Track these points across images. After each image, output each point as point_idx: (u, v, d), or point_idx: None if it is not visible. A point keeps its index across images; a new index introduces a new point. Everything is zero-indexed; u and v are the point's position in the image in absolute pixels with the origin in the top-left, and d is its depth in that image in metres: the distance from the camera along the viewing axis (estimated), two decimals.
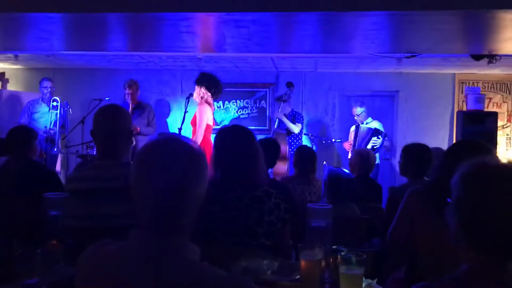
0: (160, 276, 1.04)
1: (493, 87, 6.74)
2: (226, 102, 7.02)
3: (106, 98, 5.71)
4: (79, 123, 5.77)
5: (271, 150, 3.36)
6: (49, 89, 5.97)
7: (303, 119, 6.15)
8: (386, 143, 6.16)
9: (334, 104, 6.97)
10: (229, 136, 2.30)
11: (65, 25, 4.03)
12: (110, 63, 6.54)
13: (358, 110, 6.14)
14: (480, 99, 6.14)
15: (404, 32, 3.97)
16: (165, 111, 7.10)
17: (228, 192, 2.14)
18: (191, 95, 5.57)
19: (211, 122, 5.50)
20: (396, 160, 6.23)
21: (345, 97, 6.99)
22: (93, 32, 4.21)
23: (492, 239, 1.18)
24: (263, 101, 7.02)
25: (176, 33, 4.04)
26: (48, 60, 6.22)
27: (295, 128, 5.96)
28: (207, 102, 5.49)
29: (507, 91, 6.72)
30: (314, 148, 6.05)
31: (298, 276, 1.83)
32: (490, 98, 6.70)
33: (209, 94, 5.49)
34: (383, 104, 7.03)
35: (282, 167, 5.46)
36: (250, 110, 7.05)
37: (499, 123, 6.26)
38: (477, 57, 4.85)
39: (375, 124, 6.12)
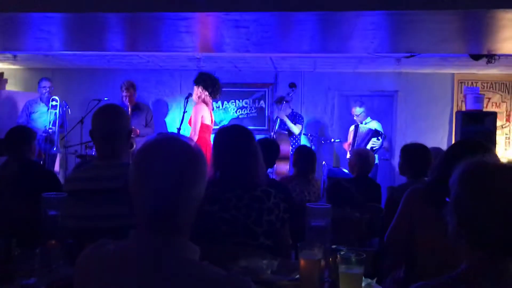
0: (159, 276, 1.04)
1: (492, 87, 6.74)
2: (225, 102, 7.02)
3: (105, 98, 5.70)
4: (78, 123, 5.76)
5: (271, 150, 3.35)
6: (48, 89, 5.97)
7: (303, 120, 6.16)
8: (385, 144, 6.16)
9: (333, 104, 6.97)
10: (228, 135, 2.29)
11: (64, 25, 4.03)
12: (109, 63, 6.54)
13: (357, 110, 6.13)
14: (479, 99, 6.14)
15: (403, 32, 3.97)
16: (164, 111, 7.10)
17: (227, 192, 2.14)
18: (190, 95, 5.57)
19: (208, 122, 5.48)
20: (395, 160, 6.24)
21: (344, 97, 6.99)
22: (92, 32, 4.21)
23: (491, 237, 1.18)
24: (262, 101, 7.02)
25: (175, 33, 4.04)
26: (47, 60, 6.21)
27: (296, 129, 5.96)
28: (204, 101, 5.48)
29: (506, 91, 6.73)
30: (313, 148, 6.05)
31: (297, 276, 1.82)
32: (489, 98, 6.70)
33: (206, 93, 5.48)
34: (382, 104, 7.03)
35: (284, 167, 5.47)
36: (249, 110, 7.05)
37: (498, 123, 6.26)
38: (476, 57, 4.85)
39: (374, 124, 6.12)
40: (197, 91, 5.49)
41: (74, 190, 2.12)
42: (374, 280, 1.85)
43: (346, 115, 6.75)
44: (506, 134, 6.68)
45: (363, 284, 1.73)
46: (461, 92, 6.70)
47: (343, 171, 5.13)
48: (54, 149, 5.78)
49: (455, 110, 6.70)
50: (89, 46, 5.02)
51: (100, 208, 2.04)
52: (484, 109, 6.30)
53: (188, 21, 3.65)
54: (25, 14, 3.50)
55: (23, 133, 3.28)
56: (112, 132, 2.17)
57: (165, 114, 7.11)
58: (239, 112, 7.05)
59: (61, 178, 4.92)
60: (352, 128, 6.20)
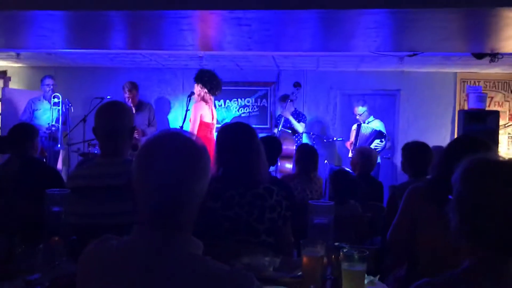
0: (163, 271, 1.04)
1: (495, 86, 6.73)
2: (227, 100, 7.02)
3: (108, 97, 5.71)
4: (81, 121, 5.77)
5: (272, 147, 3.36)
6: (51, 87, 5.98)
7: (306, 119, 6.16)
8: (388, 145, 6.12)
9: (335, 103, 6.96)
10: (231, 133, 2.29)
11: (67, 23, 4.03)
12: (111, 61, 6.55)
13: (360, 109, 6.11)
14: (481, 98, 6.14)
15: (405, 30, 3.97)
16: (166, 109, 7.10)
17: (230, 189, 2.14)
18: (192, 93, 5.57)
19: (208, 120, 5.47)
20: (397, 159, 6.23)
21: (346, 96, 6.98)
22: (95, 30, 4.22)
23: (493, 235, 1.18)
24: (264, 100, 7.02)
25: (178, 31, 4.05)
26: (50, 58, 6.23)
27: (300, 127, 5.96)
28: (203, 99, 5.48)
29: (509, 90, 6.71)
30: (315, 146, 6.05)
31: (300, 273, 1.83)
32: (492, 97, 6.69)
33: (205, 90, 5.47)
34: (385, 103, 7.02)
35: (288, 166, 5.47)
36: (251, 109, 7.05)
37: (501, 122, 6.26)
38: (479, 56, 4.85)
39: (377, 124, 6.09)
40: (197, 89, 5.50)
41: (77, 187, 2.12)
42: (377, 278, 1.85)
43: (348, 114, 6.74)
44: (509, 133, 6.66)
45: (365, 281, 1.73)
46: (463, 91, 6.68)
47: (346, 169, 5.13)
48: (58, 146, 5.80)
49: (457, 109, 6.69)
50: (92, 44, 5.02)
51: (103, 205, 2.04)
52: (487, 108, 6.30)
53: (190, 19, 3.65)
54: (28, 12, 3.51)
55: (26, 130, 3.29)
56: (115, 129, 2.17)
57: (168, 113, 7.11)
58: (241, 110, 7.05)
59: (64, 175, 4.93)
60: (354, 127, 6.19)
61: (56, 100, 5.89)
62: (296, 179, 3.93)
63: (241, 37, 4.23)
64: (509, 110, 6.70)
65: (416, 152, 3.32)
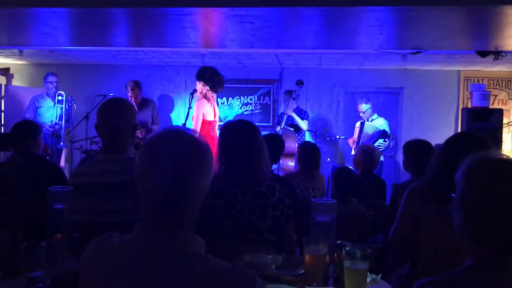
0: (165, 268, 1.04)
1: (499, 84, 6.70)
2: (230, 98, 7.02)
3: (110, 94, 5.71)
4: (83, 119, 5.78)
5: (275, 145, 3.35)
6: (54, 84, 5.98)
7: (308, 116, 6.15)
8: (391, 144, 6.08)
9: (338, 100, 6.95)
10: (234, 130, 2.29)
11: (70, 20, 4.04)
12: (114, 58, 6.55)
13: (363, 106, 6.08)
14: (485, 96, 6.11)
15: (409, 28, 3.96)
16: (169, 106, 7.11)
17: (232, 187, 2.14)
18: (195, 91, 5.56)
19: (210, 118, 5.47)
20: (400, 157, 6.22)
21: (349, 93, 6.97)
22: (98, 27, 4.22)
23: (496, 234, 1.18)
24: (267, 98, 7.02)
25: (180, 28, 4.04)
26: (53, 55, 6.23)
27: (304, 125, 5.95)
28: (205, 97, 5.47)
29: None
30: (317, 144, 6.04)
31: (302, 271, 1.82)
32: (496, 95, 6.67)
33: (207, 88, 5.47)
34: (388, 101, 7.01)
35: (290, 164, 5.47)
36: (254, 107, 7.05)
37: (504, 120, 6.23)
38: (483, 54, 4.83)
39: (381, 122, 6.06)
40: (199, 86, 5.49)
41: (79, 184, 2.12)
42: (379, 276, 1.85)
43: (351, 112, 6.73)
44: None
45: (367, 280, 1.73)
46: (467, 89, 6.66)
47: (348, 167, 5.12)
48: (61, 143, 5.81)
49: (461, 107, 6.67)
50: (95, 42, 5.03)
51: (105, 202, 2.04)
52: (490, 107, 6.27)
53: (193, 17, 3.65)
54: (31, 9, 3.51)
55: (29, 127, 3.29)
56: (117, 126, 2.16)
57: (170, 110, 7.12)
58: (244, 108, 7.05)
59: (66, 173, 4.94)
60: (358, 124, 6.16)
61: (60, 98, 5.90)
62: (298, 177, 3.93)
63: (243, 34, 4.22)
64: None
65: (418, 150, 3.30)
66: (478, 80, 6.67)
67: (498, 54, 4.78)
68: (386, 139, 5.86)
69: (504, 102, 6.69)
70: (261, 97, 7.03)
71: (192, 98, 5.55)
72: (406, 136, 6.43)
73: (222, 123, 5.17)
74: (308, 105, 6.85)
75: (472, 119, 5.95)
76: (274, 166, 4.03)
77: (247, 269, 1.09)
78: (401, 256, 2.48)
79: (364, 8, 3.25)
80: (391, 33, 4.20)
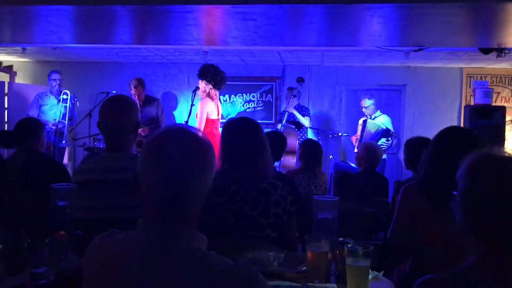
0: (167, 265, 1.05)
1: (502, 81, 6.68)
2: (232, 95, 7.02)
3: (113, 91, 5.71)
4: (86, 116, 5.79)
5: (278, 142, 3.35)
6: (58, 82, 5.99)
7: (309, 112, 6.14)
8: (395, 142, 6.05)
9: (341, 98, 6.94)
10: (236, 128, 2.29)
11: (73, 17, 4.04)
12: (117, 56, 6.56)
13: (366, 102, 6.04)
14: (488, 93, 6.09)
15: (411, 25, 3.95)
16: (172, 104, 7.11)
17: (234, 184, 2.15)
18: (197, 88, 5.56)
19: (214, 116, 5.47)
20: (403, 155, 6.20)
21: (352, 91, 6.96)
22: (101, 25, 4.22)
23: (498, 231, 1.18)
24: (269, 95, 7.01)
25: (183, 25, 4.04)
26: (56, 53, 6.24)
27: (306, 121, 5.94)
28: (209, 95, 5.47)
29: None
30: (320, 142, 6.04)
31: (304, 268, 1.83)
32: (498, 93, 6.65)
33: (210, 86, 5.46)
34: (390, 98, 6.99)
35: (291, 161, 5.46)
36: (256, 104, 7.04)
37: (507, 117, 6.21)
38: (486, 51, 4.81)
39: (384, 119, 6.03)
40: (202, 85, 5.48)
41: (82, 181, 2.13)
42: (381, 273, 1.85)
43: (353, 109, 6.72)
44: None
45: (370, 277, 1.73)
46: (470, 87, 6.64)
47: (350, 165, 5.12)
48: (63, 142, 5.82)
49: (463, 104, 6.65)
50: (98, 39, 5.03)
51: (108, 199, 2.05)
52: (493, 104, 6.25)
53: (196, 14, 3.65)
54: (34, 7, 3.51)
55: (32, 125, 3.31)
56: (119, 124, 2.17)
57: (173, 107, 7.12)
58: (246, 105, 7.05)
59: (70, 170, 4.95)
60: (361, 121, 6.14)
61: (64, 96, 5.90)
62: (300, 174, 3.94)
63: (246, 32, 4.22)
64: None
65: (418, 148, 3.30)
66: (481, 77, 6.65)
67: (501, 51, 4.77)
68: (389, 138, 5.83)
69: (507, 99, 6.67)
70: (264, 95, 7.03)
71: (194, 96, 5.55)
72: (408, 134, 6.42)
73: (224, 121, 5.19)
74: (311, 103, 6.84)
75: (475, 117, 5.93)
76: (276, 163, 4.03)
77: (249, 266, 1.09)
78: (402, 255, 2.48)
79: (366, 5, 3.25)
80: (393, 30, 4.19)
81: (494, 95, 6.43)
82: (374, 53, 5.57)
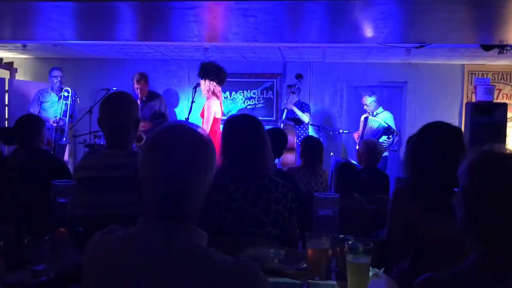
0: (168, 261, 1.05)
1: (503, 78, 6.67)
2: (233, 92, 7.01)
3: (114, 88, 5.71)
4: (87, 113, 5.79)
5: (278, 139, 3.35)
6: (59, 79, 5.99)
7: (310, 109, 6.13)
8: (396, 139, 6.02)
9: (342, 95, 6.93)
10: (237, 125, 2.29)
11: (74, 14, 4.03)
12: (117, 53, 6.55)
13: (367, 99, 6.01)
14: (489, 90, 6.08)
15: (413, 21, 3.94)
16: (173, 101, 7.10)
17: (235, 181, 2.14)
18: (198, 85, 5.55)
19: (219, 115, 5.46)
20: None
21: (353, 88, 6.95)
22: (102, 21, 4.21)
23: (500, 228, 1.17)
24: (270, 92, 7.00)
25: (184, 22, 4.04)
26: (56, 49, 6.23)
27: (305, 118, 5.92)
28: (214, 94, 5.44)
29: None
30: (321, 139, 6.03)
31: (305, 265, 1.83)
32: (500, 90, 6.63)
33: (214, 84, 5.44)
34: (391, 95, 6.98)
35: (289, 158, 5.46)
36: (257, 101, 7.03)
37: (509, 114, 6.20)
38: (487, 47, 4.80)
39: (386, 116, 5.99)
40: (205, 84, 5.43)
41: (82, 178, 2.13)
42: (382, 270, 1.85)
43: (354, 106, 6.71)
44: None
45: (370, 274, 1.73)
46: (471, 83, 6.63)
47: (351, 163, 5.11)
48: (64, 139, 5.82)
49: (465, 101, 6.64)
50: (99, 35, 5.03)
51: (109, 196, 2.05)
52: (495, 101, 6.24)
53: (197, 10, 3.64)
54: (35, 3, 3.51)
55: (32, 121, 3.30)
56: (119, 120, 2.16)
57: (174, 104, 7.12)
58: (247, 102, 7.04)
59: (70, 167, 4.96)
60: (363, 118, 6.12)
61: (65, 93, 5.89)
62: (301, 172, 3.93)
63: (247, 28, 4.21)
64: None
65: None
66: (483, 74, 6.64)
67: (502, 48, 4.75)
68: (390, 136, 5.81)
69: (508, 96, 6.65)
70: (264, 91, 7.02)
71: (195, 93, 5.54)
72: (409, 131, 6.41)
73: (225, 118, 5.18)
74: (312, 99, 6.83)
75: (476, 114, 5.92)
76: (276, 161, 4.03)
77: (250, 263, 1.09)
78: (401, 253, 2.47)
79: (368, 1, 3.24)
80: (395, 27, 4.17)
81: (496, 92, 6.41)
82: (375, 49, 5.56)
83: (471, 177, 1.23)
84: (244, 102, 7.04)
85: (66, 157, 6.13)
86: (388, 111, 6.13)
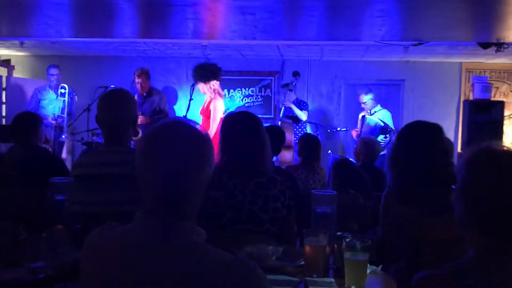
0: (166, 258, 1.05)
1: (501, 76, 6.68)
2: (231, 90, 7.00)
3: (112, 86, 5.68)
4: (85, 111, 5.78)
5: (276, 137, 3.35)
6: (55, 77, 5.97)
7: (308, 107, 6.13)
8: (393, 138, 6.01)
9: (340, 92, 6.93)
10: (236, 122, 2.29)
11: (72, 10, 4.02)
12: (115, 50, 6.53)
13: (364, 98, 6.02)
14: (487, 88, 6.09)
15: (411, 19, 3.94)
16: (171, 98, 7.09)
17: (233, 178, 2.14)
18: (196, 82, 5.54)
19: (221, 114, 5.48)
20: None
21: (351, 85, 6.95)
22: (100, 18, 4.20)
23: (498, 224, 1.18)
24: (268, 89, 7.00)
25: (183, 19, 4.03)
26: (54, 47, 6.21)
27: (303, 115, 5.92)
28: (219, 93, 5.47)
29: None
30: (318, 137, 6.03)
31: (302, 262, 1.83)
32: (497, 88, 6.64)
33: (217, 82, 5.46)
34: (389, 93, 6.98)
35: (287, 155, 5.45)
36: (255, 99, 7.03)
37: (506, 112, 6.21)
38: (485, 45, 4.80)
39: (383, 114, 5.99)
40: (207, 87, 5.43)
41: (80, 175, 2.13)
42: (379, 268, 1.85)
43: (352, 104, 6.71)
44: None
45: (368, 271, 1.73)
46: (469, 81, 6.64)
47: (348, 159, 5.11)
48: (63, 136, 5.81)
49: (462, 99, 6.65)
50: (97, 33, 5.01)
51: (106, 193, 2.05)
52: (492, 99, 6.25)
53: (196, 7, 3.63)
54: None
55: (30, 119, 3.29)
56: (117, 118, 2.16)
57: (173, 102, 7.10)
58: (245, 100, 7.04)
59: (68, 165, 4.94)
60: (360, 116, 6.12)
61: (62, 90, 5.88)
62: (299, 169, 3.93)
63: (245, 25, 4.21)
64: None
65: None
66: (480, 72, 6.64)
67: (500, 46, 4.75)
68: (387, 135, 5.82)
69: (505, 94, 6.66)
70: (262, 89, 7.01)
71: (193, 90, 5.53)
72: None
73: (223, 115, 5.18)
74: (309, 97, 6.83)
75: (474, 111, 5.93)
76: (273, 158, 4.03)
77: (248, 260, 1.09)
78: (397, 253, 2.47)
79: None
80: (393, 24, 4.17)
81: (493, 90, 6.42)
82: (373, 47, 5.56)
83: (469, 174, 1.24)
84: (242, 100, 7.03)
85: (64, 154, 6.12)
86: (386, 109, 6.14)
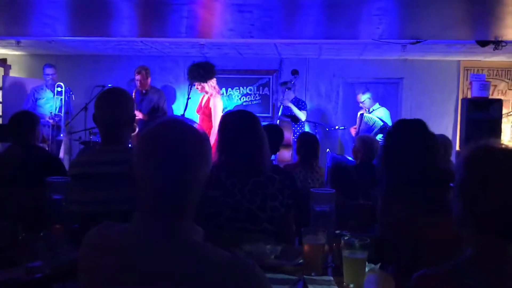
0: (164, 257, 1.04)
1: (498, 75, 6.69)
2: (229, 89, 7.00)
3: (109, 85, 5.68)
4: (82, 110, 5.77)
5: (275, 136, 3.34)
6: (51, 76, 5.97)
7: (306, 106, 6.12)
8: None
9: (338, 91, 6.93)
10: (234, 120, 2.28)
11: (69, 9, 4.01)
12: (113, 49, 6.52)
13: (361, 97, 6.02)
14: (485, 86, 6.09)
15: (409, 17, 3.94)
16: (169, 97, 7.08)
17: (231, 177, 2.14)
18: (194, 81, 5.54)
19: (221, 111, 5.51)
20: None
21: (349, 84, 6.95)
22: (97, 17, 4.19)
23: (496, 222, 1.18)
24: (266, 88, 6.99)
25: (179, 18, 4.02)
26: (51, 46, 6.20)
27: (302, 115, 5.91)
28: (217, 90, 5.50)
29: None
30: (317, 135, 6.02)
31: (301, 261, 1.83)
32: (495, 86, 6.65)
33: (214, 80, 5.47)
34: (387, 91, 6.99)
35: (286, 154, 5.45)
36: (253, 97, 7.02)
37: (504, 110, 6.21)
38: (483, 43, 4.81)
39: (382, 112, 6.00)
40: (207, 86, 5.46)
41: (77, 174, 2.12)
42: (378, 266, 1.85)
43: (350, 103, 6.71)
44: None
45: (366, 269, 1.73)
46: (467, 80, 6.64)
47: (347, 159, 5.11)
48: (61, 135, 5.80)
49: (460, 97, 6.65)
50: (94, 32, 5.00)
51: (104, 192, 2.04)
52: (490, 97, 6.25)
53: (193, 6, 3.62)
54: None
55: (27, 118, 3.28)
56: (115, 117, 2.16)
57: (170, 101, 7.09)
58: (243, 99, 7.03)
59: (66, 164, 4.93)
60: (359, 114, 6.11)
61: (59, 89, 5.88)
62: (297, 168, 3.93)
63: (242, 24, 4.20)
64: None
65: None
66: (478, 70, 6.65)
67: (498, 44, 4.76)
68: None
69: (503, 92, 6.67)
70: (260, 88, 7.00)
71: (191, 89, 5.53)
72: None
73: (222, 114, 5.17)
74: (308, 96, 6.83)
75: (472, 109, 5.93)
76: (272, 157, 4.03)
77: (247, 258, 1.09)
78: (396, 251, 2.47)
79: None
80: (391, 23, 4.17)
81: (491, 88, 6.42)
82: (371, 45, 5.56)
83: (467, 172, 1.23)
84: (240, 98, 7.02)
85: (61, 154, 6.11)
86: (385, 107, 6.14)
